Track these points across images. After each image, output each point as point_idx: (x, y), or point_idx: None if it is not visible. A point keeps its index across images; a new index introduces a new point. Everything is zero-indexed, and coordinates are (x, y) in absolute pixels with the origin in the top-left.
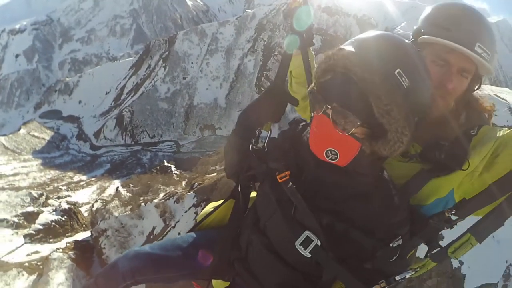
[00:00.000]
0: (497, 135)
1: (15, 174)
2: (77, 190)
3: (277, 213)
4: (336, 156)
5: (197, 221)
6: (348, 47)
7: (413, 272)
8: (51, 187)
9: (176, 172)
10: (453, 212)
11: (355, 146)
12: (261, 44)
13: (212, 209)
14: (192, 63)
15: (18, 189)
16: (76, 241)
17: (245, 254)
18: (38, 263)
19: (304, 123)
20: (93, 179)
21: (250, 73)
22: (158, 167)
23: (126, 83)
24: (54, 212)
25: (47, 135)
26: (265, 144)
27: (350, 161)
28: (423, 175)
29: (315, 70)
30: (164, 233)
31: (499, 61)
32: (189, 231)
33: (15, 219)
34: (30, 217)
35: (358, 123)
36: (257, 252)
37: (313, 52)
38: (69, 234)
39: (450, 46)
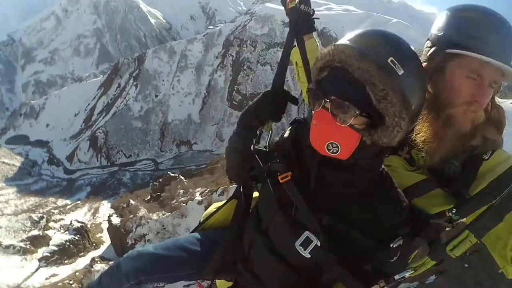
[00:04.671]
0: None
1: None
2: (68, 213)
3: (279, 214)
4: (337, 149)
5: (200, 222)
6: (342, 42)
7: (412, 271)
8: (37, 213)
9: (185, 180)
10: (453, 212)
11: (355, 137)
12: (229, 60)
13: (215, 209)
14: (163, 80)
15: (14, 214)
16: (102, 256)
17: (247, 254)
18: (70, 282)
19: (305, 122)
20: (78, 202)
21: (221, 88)
22: (160, 179)
23: (96, 103)
24: (67, 232)
25: (17, 161)
26: (267, 145)
27: (351, 153)
28: (430, 182)
29: (312, 69)
30: None
31: None
32: (192, 232)
33: (22, 244)
34: (36, 241)
35: (357, 112)
36: (259, 253)
37: (317, 40)
38: (82, 254)
39: (492, 63)
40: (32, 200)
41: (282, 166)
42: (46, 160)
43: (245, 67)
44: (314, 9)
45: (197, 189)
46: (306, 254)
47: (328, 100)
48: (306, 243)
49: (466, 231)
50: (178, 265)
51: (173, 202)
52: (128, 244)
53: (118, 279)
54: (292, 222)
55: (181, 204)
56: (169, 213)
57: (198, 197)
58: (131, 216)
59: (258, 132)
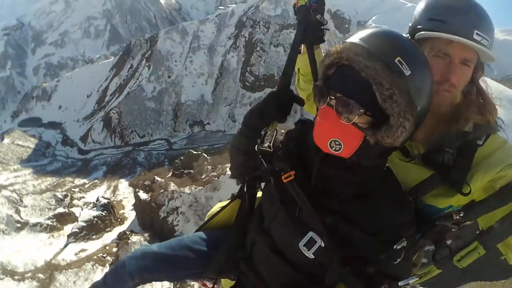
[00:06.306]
0: (508, 159)
1: (11, 184)
2: (87, 191)
3: (281, 213)
4: (340, 146)
5: (204, 221)
6: (351, 40)
7: (417, 278)
8: (55, 192)
9: (208, 157)
10: (461, 215)
11: (358, 135)
12: (242, 41)
13: (219, 209)
14: (175, 61)
15: (40, 192)
16: (131, 230)
17: (250, 253)
18: (103, 255)
19: (310, 123)
20: (96, 181)
21: (234, 69)
22: (182, 157)
23: (109, 84)
24: (94, 208)
25: (31, 143)
26: (271, 144)
27: (353, 151)
28: (433, 180)
29: (319, 66)
30: None
31: None
32: (196, 231)
33: (49, 222)
34: (62, 218)
35: (361, 110)
36: (261, 251)
37: (322, 51)
38: (108, 229)
39: (449, 38)
40: (49, 180)
41: (286, 165)
42: (60, 141)
43: (258, 48)
44: None
45: (227, 165)
46: (310, 254)
47: (333, 98)
48: (310, 243)
49: (475, 242)
50: (182, 264)
51: (203, 177)
52: (160, 218)
53: (122, 278)
54: (296, 222)
55: (213, 178)
56: (201, 187)
57: (229, 172)
58: (162, 190)
59: (262, 132)
